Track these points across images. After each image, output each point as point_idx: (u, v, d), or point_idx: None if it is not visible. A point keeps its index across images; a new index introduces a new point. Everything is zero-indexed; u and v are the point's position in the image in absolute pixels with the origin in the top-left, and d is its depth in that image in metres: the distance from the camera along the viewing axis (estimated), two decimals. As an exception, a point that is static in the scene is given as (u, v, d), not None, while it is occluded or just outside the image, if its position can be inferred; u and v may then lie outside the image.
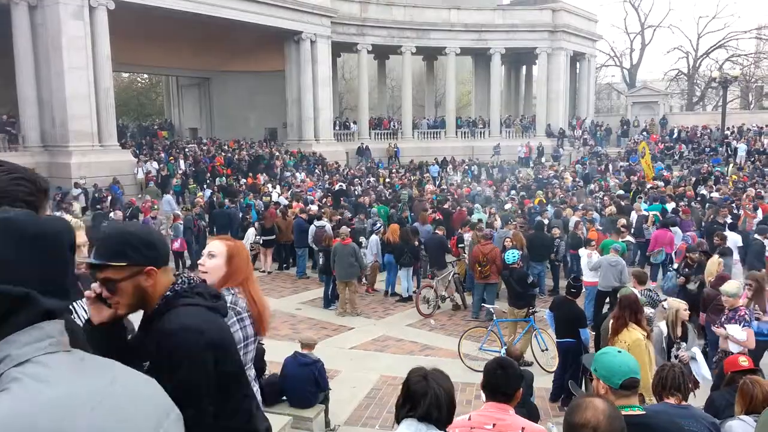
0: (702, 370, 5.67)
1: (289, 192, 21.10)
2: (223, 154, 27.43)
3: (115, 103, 23.26)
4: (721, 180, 22.66)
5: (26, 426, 0.85)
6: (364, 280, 13.25)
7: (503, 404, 3.08)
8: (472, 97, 44.51)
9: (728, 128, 32.50)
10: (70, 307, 1.86)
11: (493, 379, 3.12)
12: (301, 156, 28.66)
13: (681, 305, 6.29)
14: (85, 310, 2.10)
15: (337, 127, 33.72)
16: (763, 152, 28.54)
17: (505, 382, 3.09)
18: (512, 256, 9.78)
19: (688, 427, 3.15)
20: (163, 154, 25.77)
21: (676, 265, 10.95)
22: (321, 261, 12.68)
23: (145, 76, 50.67)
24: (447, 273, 12.32)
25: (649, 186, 20.60)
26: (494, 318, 9.32)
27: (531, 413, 5.11)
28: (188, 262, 14.84)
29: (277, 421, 5.75)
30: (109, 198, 18.95)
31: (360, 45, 32.74)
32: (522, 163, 32.64)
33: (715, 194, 18.69)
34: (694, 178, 23.25)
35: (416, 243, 12.59)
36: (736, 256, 11.75)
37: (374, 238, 13.62)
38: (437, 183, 25.85)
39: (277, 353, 7.01)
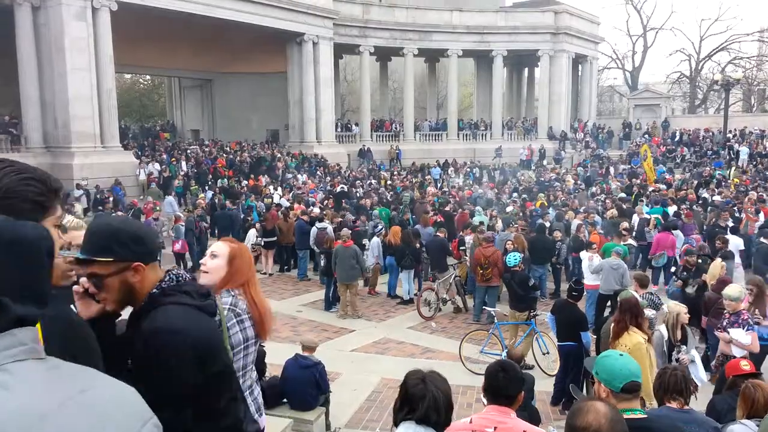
0: (699, 373, 5.68)
1: (291, 194, 21.11)
2: (224, 155, 27.47)
3: (117, 104, 23.32)
4: (723, 183, 22.63)
5: None
6: (363, 283, 13.25)
7: (505, 407, 3.07)
8: (473, 99, 44.54)
9: (730, 131, 32.46)
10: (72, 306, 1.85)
11: (494, 382, 3.11)
12: (302, 158, 28.69)
13: (681, 309, 6.29)
14: None
15: (339, 129, 33.76)
16: (766, 155, 28.50)
17: (507, 384, 3.08)
18: (513, 258, 9.77)
19: (690, 431, 3.14)
20: (165, 156, 25.82)
21: (673, 269, 10.97)
22: (322, 263, 12.67)
23: (148, 77, 50.80)
24: (448, 275, 12.30)
25: (651, 189, 20.59)
26: (495, 321, 9.31)
27: (532, 417, 5.11)
28: (189, 264, 14.85)
29: (277, 423, 5.75)
30: (111, 199, 18.98)
31: (362, 47, 32.79)
32: (524, 165, 32.62)
33: (717, 197, 18.66)
34: (695, 181, 23.22)
35: (417, 245, 12.58)
36: (737, 259, 11.74)
37: (376, 240, 13.62)
38: (439, 185, 25.84)
39: (277, 355, 7.00)
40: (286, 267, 15.59)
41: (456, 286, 12.26)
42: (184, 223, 14.84)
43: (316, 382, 6.40)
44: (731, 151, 29.90)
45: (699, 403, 4.75)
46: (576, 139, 36.46)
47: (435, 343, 10.12)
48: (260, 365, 5.96)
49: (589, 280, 10.46)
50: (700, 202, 18.40)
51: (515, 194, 21.33)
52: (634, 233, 13.83)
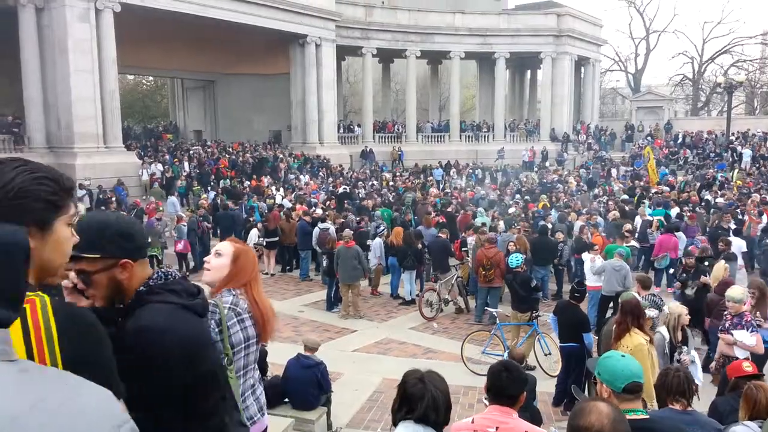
0: (698, 374, 5.70)
1: (293, 195, 21.14)
2: (227, 156, 27.50)
3: (120, 105, 23.37)
4: (726, 185, 22.60)
5: None
6: (368, 282, 13.27)
7: (507, 407, 3.07)
8: (476, 100, 44.52)
9: (733, 134, 32.41)
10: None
11: (498, 382, 3.11)
12: (305, 159, 28.71)
13: (683, 310, 6.29)
14: None
15: (342, 130, 33.79)
16: (768, 158, 28.46)
17: (510, 384, 3.08)
18: (516, 259, 9.77)
19: (692, 433, 3.14)
20: (167, 156, 25.87)
21: (671, 270, 10.97)
22: (324, 263, 12.68)
23: (151, 78, 50.91)
24: (450, 276, 12.30)
25: (653, 191, 20.57)
26: (497, 322, 9.31)
27: (534, 417, 5.10)
28: (192, 264, 14.88)
29: (279, 423, 5.75)
30: (114, 199, 19.02)
31: (365, 48, 32.82)
32: (526, 167, 32.60)
33: (719, 199, 18.65)
34: (698, 184, 23.20)
35: (420, 246, 12.59)
36: (740, 261, 11.74)
37: (378, 240, 13.63)
38: (441, 186, 25.84)
39: (279, 355, 7.01)
40: (288, 267, 15.61)
41: (458, 286, 12.26)
42: (186, 224, 14.86)
43: (317, 381, 6.40)
44: (734, 154, 29.86)
45: (701, 404, 4.74)
46: (578, 141, 36.43)
47: (437, 344, 10.11)
48: (262, 365, 5.96)
49: (591, 281, 10.45)
50: (703, 204, 18.39)
51: (518, 196, 21.32)
52: (636, 235, 13.83)
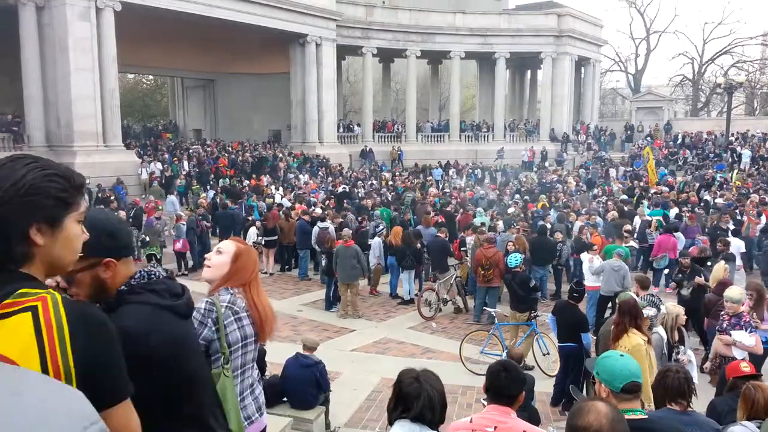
0: (694, 373, 5.71)
1: (292, 194, 21.13)
2: (226, 155, 27.48)
3: (120, 104, 23.34)
4: (725, 186, 22.62)
5: None
6: (367, 281, 13.27)
7: (505, 407, 3.07)
8: (476, 100, 44.54)
9: (733, 134, 32.43)
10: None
11: (497, 381, 3.11)
12: (304, 158, 28.70)
13: (680, 310, 6.30)
14: None
15: (341, 130, 33.78)
16: (768, 158, 28.49)
17: (508, 384, 3.08)
18: (515, 259, 9.78)
19: (690, 433, 3.14)
20: (167, 155, 25.85)
21: (666, 271, 10.98)
22: (323, 263, 12.68)
23: (151, 77, 50.89)
24: (449, 276, 12.30)
25: (652, 191, 20.58)
26: (496, 321, 9.31)
27: (532, 417, 5.11)
28: (190, 263, 14.87)
29: (277, 422, 5.75)
30: (113, 198, 18.99)
31: (365, 48, 32.81)
32: (525, 167, 32.62)
33: (718, 200, 18.66)
34: (697, 184, 23.21)
35: (419, 246, 12.59)
36: (738, 261, 11.75)
37: (377, 240, 13.62)
38: (440, 186, 25.84)
39: (278, 354, 7.01)
40: (287, 266, 15.61)
41: (457, 286, 12.26)
42: (185, 222, 14.86)
43: (316, 381, 6.41)
44: (733, 154, 29.88)
45: (699, 404, 4.75)
46: (578, 141, 36.45)
47: (435, 344, 10.12)
48: (261, 364, 5.97)
49: (590, 281, 10.45)
50: (702, 204, 18.40)
51: (517, 195, 21.32)
52: (635, 235, 13.83)
